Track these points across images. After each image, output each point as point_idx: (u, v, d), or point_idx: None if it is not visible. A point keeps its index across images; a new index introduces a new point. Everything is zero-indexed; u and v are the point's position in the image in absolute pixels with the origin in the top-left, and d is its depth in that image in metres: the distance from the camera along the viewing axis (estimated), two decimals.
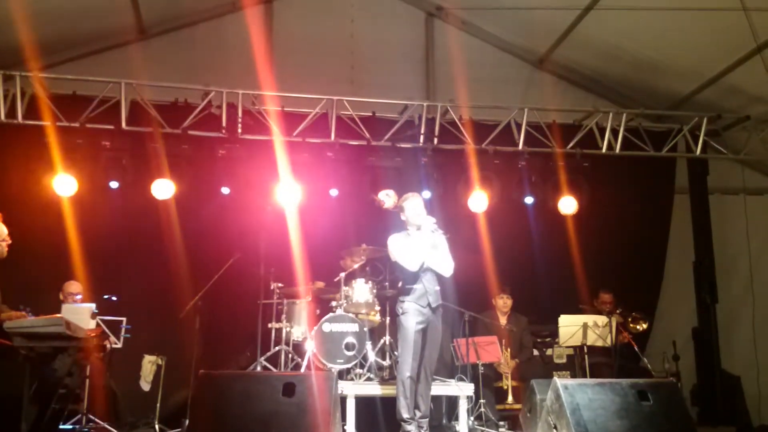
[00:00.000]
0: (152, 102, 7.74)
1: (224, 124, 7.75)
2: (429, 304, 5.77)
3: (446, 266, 5.95)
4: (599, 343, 7.28)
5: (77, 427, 5.70)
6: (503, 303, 7.87)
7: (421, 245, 5.83)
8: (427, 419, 5.76)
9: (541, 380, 6.12)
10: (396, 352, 6.93)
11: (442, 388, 6.68)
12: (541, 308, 8.20)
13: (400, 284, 5.96)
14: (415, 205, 5.96)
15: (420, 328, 5.71)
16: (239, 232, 7.85)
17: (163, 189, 7.69)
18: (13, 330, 4.95)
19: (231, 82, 7.84)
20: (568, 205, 8.35)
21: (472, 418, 6.64)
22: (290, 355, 7.08)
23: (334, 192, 8.10)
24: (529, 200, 8.44)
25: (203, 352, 6.80)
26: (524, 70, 9.39)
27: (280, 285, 7.30)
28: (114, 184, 7.66)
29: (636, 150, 8.55)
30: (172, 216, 7.87)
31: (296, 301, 7.33)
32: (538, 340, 8.12)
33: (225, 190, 7.92)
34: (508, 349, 7.58)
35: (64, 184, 7.40)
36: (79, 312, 5.84)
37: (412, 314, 5.74)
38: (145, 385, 6.80)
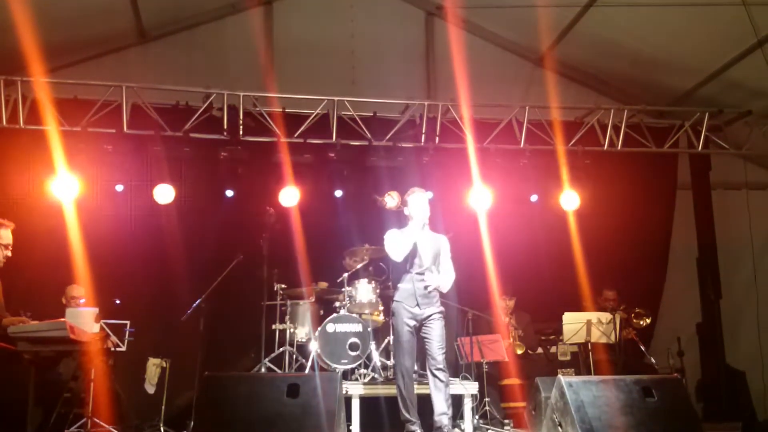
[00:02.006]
0: (153, 105, 7.76)
1: (225, 126, 7.77)
2: (418, 305, 5.71)
3: (446, 279, 5.89)
4: (603, 340, 7.27)
5: (82, 430, 5.71)
6: (505, 305, 7.90)
7: (412, 238, 5.77)
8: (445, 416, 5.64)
9: (545, 378, 6.12)
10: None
11: None
12: (544, 306, 8.20)
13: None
14: (418, 200, 5.90)
15: (411, 326, 5.69)
16: (242, 234, 7.86)
17: (164, 194, 7.71)
18: (17, 335, 4.97)
19: (232, 84, 7.85)
20: (570, 200, 8.35)
21: (477, 417, 6.64)
22: (294, 356, 7.09)
23: (338, 193, 8.11)
24: (534, 198, 8.45)
25: (207, 354, 6.80)
26: (525, 67, 9.38)
27: (283, 286, 7.30)
28: (119, 188, 7.68)
29: (638, 146, 8.54)
30: (175, 218, 7.89)
31: (299, 302, 7.34)
32: (543, 337, 8.13)
33: (229, 193, 7.95)
34: (512, 339, 7.62)
35: (65, 188, 7.41)
36: (83, 316, 5.85)
37: (401, 314, 5.72)
38: (150, 388, 6.81)
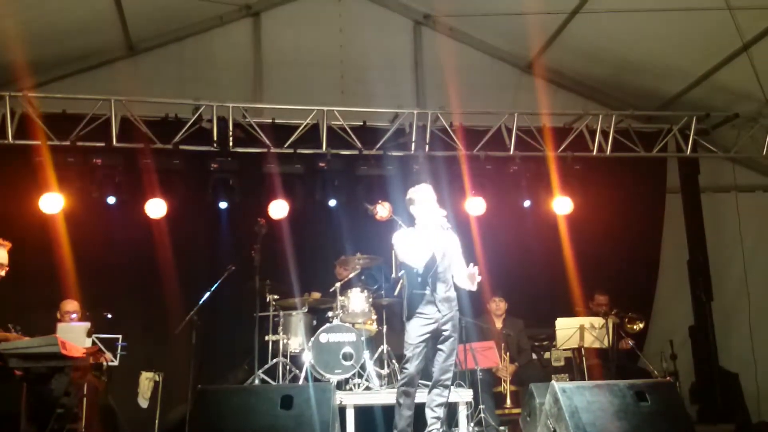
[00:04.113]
0: (142, 118, 7.74)
1: (215, 137, 7.76)
2: (438, 310, 5.34)
3: (462, 283, 5.53)
4: (596, 345, 7.28)
5: None
6: (496, 306, 7.87)
7: (430, 241, 5.36)
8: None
9: (539, 384, 6.09)
10: (393, 361, 6.95)
11: None
12: (537, 312, 8.21)
13: (398, 289, 5.67)
14: (429, 196, 5.54)
15: (425, 338, 5.34)
16: (233, 245, 7.85)
17: (156, 208, 7.69)
18: (8, 352, 4.93)
19: (221, 96, 7.86)
20: (562, 204, 8.37)
21: (472, 424, 6.63)
22: (288, 367, 7.07)
23: (332, 202, 8.11)
24: (527, 204, 8.46)
25: (200, 367, 6.79)
26: (513, 74, 9.42)
27: (276, 297, 7.28)
28: (111, 200, 7.66)
29: (626, 151, 8.58)
30: (165, 230, 7.87)
31: (292, 313, 7.32)
32: (536, 343, 8.13)
33: (222, 205, 7.92)
34: (507, 354, 7.59)
35: (55, 202, 7.40)
36: (75, 331, 5.82)
37: (416, 323, 5.35)
38: (143, 402, 6.79)
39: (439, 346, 5.44)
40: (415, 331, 5.38)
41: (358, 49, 9.05)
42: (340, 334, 6.88)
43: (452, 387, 6.51)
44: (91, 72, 8.47)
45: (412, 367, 5.35)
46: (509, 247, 8.64)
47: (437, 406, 5.43)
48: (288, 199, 7.93)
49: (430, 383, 5.52)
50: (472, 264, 5.51)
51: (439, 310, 5.37)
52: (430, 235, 5.44)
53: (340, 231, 8.04)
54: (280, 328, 7.19)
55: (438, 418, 5.42)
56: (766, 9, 7.01)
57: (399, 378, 5.59)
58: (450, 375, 5.47)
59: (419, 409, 5.59)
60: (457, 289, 5.66)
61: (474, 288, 5.55)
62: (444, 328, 5.41)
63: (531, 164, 8.42)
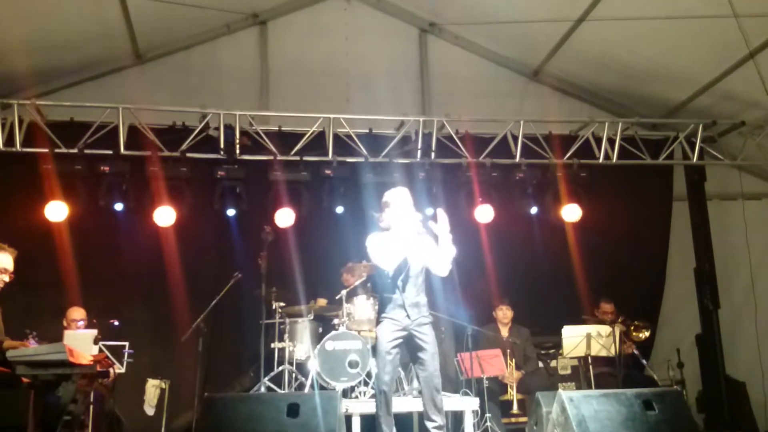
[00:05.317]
0: (150, 126, 7.77)
1: (222, 145, 7.79)
2: (408, 316, 5.21)
3: (441, 264, 5.38)
4: (603, 353, 7.27)
5: None
6: (503, 314, 7.87)
7: (402, 243, 5.25)
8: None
9: (546, 392, 6.06)
10: (399, 368, 6.92)
11: (447, 402, 6.63)
12: (543, 320, 8.20)
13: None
14: (402, 199, 5.43)
15: (396, 343, 5.22)
16: (239, 253, 7.86)
17: (165, 216, 7.70)
18: (16, 359, 4.95)
19: (228, 104, 7.89)
20: (571, 212, 8.35)
21: None
22: (294, 375, 7.07)
23: (340, 209, 8.12)
24: (533, 211, 8.45)
25: (207, 375, 6.79)
26: (519, 82, 9.42)
27: (281, 304, 7.28)
28: (119, 207, 7.69)
29: (633, 159, 8.57)
30: (172, 238, 7.89)
31: (298, 320, 7.32)
32: (542, 351, 8.12)
33: (230, 212, 7.94)
34: (513, 360, 7.58)
35: (62, 210, 7.43)
36: (82, 338, 5.85)
37: (385, 328, 5.24)
38: (150, 410, 6.79)
39: (419, 355, 5.29)
40: (385, 336, 5.25)
41: (364, 57, 9.06)
42: (345, 342, 6.87)
43: (458, 395, 6.57)
44: (99, 80, 8.50)
45: (386, 376, 5.21)
46: (515, 255, 8.64)
47: (434, 414, 5.33)
48: (294, 206, 7.95)
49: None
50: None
51: (408, 316, 5.25)
52: (405, 238, 5.31)
53: (346, 238, 8.02)
54: (286, 336, 7.18)
55: (439, 427, 5.32)
56: None
57: (376, 390, 5.40)
58: (438, 381, 5.31)
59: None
60: (431, 293, 5.58)
61: (442, 273, 5.39)
62: (416, 334, 5.26)
63: (537, 172, 8.43)
